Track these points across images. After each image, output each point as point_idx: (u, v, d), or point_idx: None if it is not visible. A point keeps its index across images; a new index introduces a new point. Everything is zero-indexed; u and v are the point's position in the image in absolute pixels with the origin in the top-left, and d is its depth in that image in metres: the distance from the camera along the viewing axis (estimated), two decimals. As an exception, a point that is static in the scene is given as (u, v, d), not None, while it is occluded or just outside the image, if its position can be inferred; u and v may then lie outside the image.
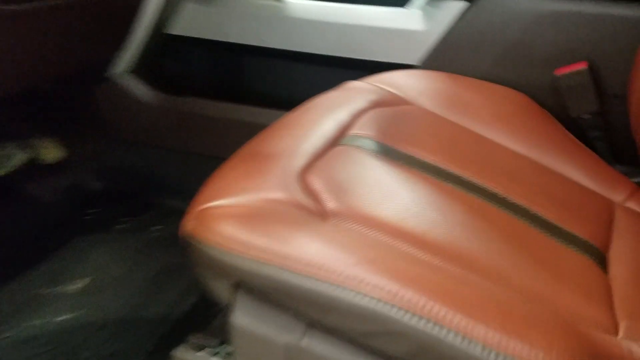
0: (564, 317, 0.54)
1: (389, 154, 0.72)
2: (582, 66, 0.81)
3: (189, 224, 0.61)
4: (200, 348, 0.78)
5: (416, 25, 0.95)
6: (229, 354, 0.77)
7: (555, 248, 0.63)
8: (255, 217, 0.59)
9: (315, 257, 0.53)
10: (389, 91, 0.87)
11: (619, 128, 0.82)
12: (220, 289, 0.61)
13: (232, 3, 1.08)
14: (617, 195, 0.76)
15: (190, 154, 1.16)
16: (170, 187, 1.20)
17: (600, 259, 0.65)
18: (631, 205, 0.75)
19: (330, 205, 0.63)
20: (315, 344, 0.55)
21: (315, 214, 0.62)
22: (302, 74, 1.05)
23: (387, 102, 0.85)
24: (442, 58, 0.91)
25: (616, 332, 0.55)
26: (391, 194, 0.66)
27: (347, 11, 0.99)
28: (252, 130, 1.14)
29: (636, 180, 0.79)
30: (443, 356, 0.48)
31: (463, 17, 0.90)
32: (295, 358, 0.56)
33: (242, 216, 0.59)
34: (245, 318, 0.58)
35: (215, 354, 0.72)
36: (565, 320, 0.53)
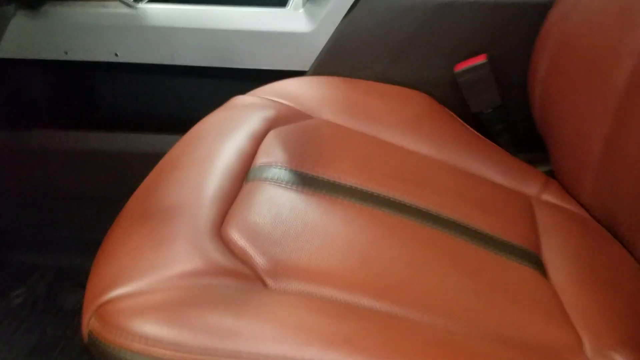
0: (539, 351, 0.50)
1: (307, 183, 0.64)
2: (481, 59, 0.79)
3: (90, 324, 0.47)
4: None
5: (301, 26, 0.85)
6: None
7: (501, 265, 0.60)
8: (176, 303, 0.47)
9: (272, 344, 0.43)
10: (284, 104, 0.78)
11: (521, 118, 0.81)
12: None
13: (69, 13, 0.90)
14: (531, 188, 0.76)
15: (43, 197, 0.97)
16: (24, 240, 1.00)
17: (539, 264, 0.63)
18: (547, 197, 0.75)
19: (262, 265, 0.53)
20: None
21: (249, 280, 0.52)
22: (175, 90, 0.91)
23: (285, 117, 0.76)
24: (333, 61, 0.84)
25: (583, 349, 0.53)
26: (328, 236, 0.57)
27: (220, 14, 0.86)
28: (117, 161, 0.98)
29: (542, 168, 0.79)
30: None
31: (350, 15, 0.82)
32: None
33: (159, 306, 0.47)
34: None
35: None
36: (541, 356, 0.49)
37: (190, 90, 0.91)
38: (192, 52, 0.86)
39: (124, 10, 0.88)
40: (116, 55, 0.88)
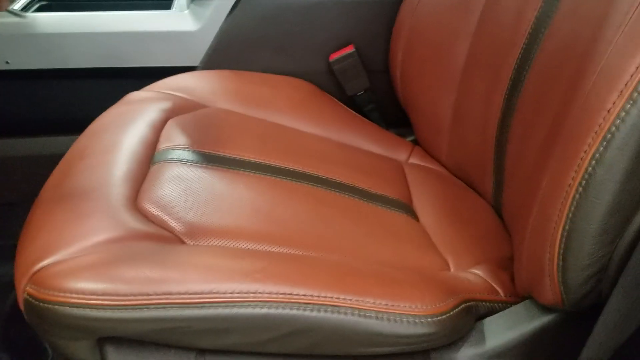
0: (416, 270, 0.62)
1: (210, 160, 0.72)
2: (349, 49, 0.91)
3: (27, 291, 0.52)
4: None
5: (187, 26, 0.93)
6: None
7: (381, 214, 0.72)
8: (105, 262, 0.53)
9: (199, 284, 0.51)
10: (179, 96, 0.85)
11: (387, 98, 0.95)
12: (80, 351, 0.54)
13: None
14: (401, 155, 0.89)
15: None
16: None
17: (411, 211, 0.76)
18: (414, 161, 0.88)
19: (179, 228, 0.60)
20: None
21: (169, 240, 0.59)
22: (72, 92, 0.94)
23: (181, 107, 0.83)
24: (221, 56, 0.92)
25: (449, 268, 0.66)
26: (235, 201, 0.66)
27: (109, 19, 0.91)
28: (18, 166, 0.98)
29: (409, 139, 0.93)
30: (345, 335, 0.52)
31: (233, 14, 0.91)
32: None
33: (91, 266, 0.53)
34: None
35: None
36: (418, 273, 0.61)
37: (87, 92, 0.94)
38: (86, 55, 0.90)
39: (13, 19, 0.91)
40: (7, 63, 0.90)
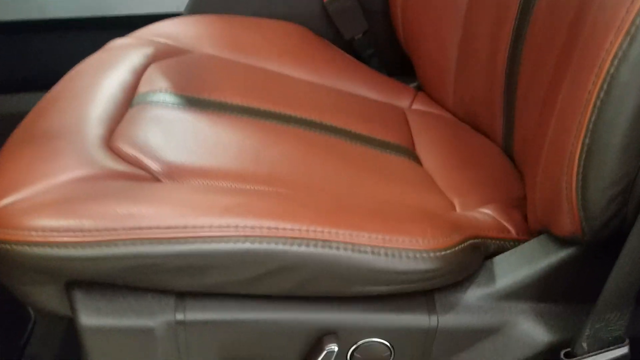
0: (418, 208, 0.57)
1: (194, 104, 0.66)
2: (345, -12, 0.85)
3: None
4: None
5: (171, -31, 0.87)
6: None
7: (381, 157, 0.67)
8: (70, 199, 0.48)
9: (173, 218, 0.46)
10: (162, 42, 0.79)
11: (387, 43, 0.88)
12: (46, 298, 0.49)
13: None
14: (403, 101, 0.83)
15: None
16: None
17: (414, 156, 0.70)
18: (417, 106, 0.82)
19: (156, 168, 0.55)
20: (193, 313, 0.48)
21: (143, 179, 0.53)
22: (51, 45, 0.89)
23: (165, 53, 0.77)
24: (208, 1, 0.86)
25: (455, 209, 0.60)
26: (219, 142, 0.61)
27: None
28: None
29: (411, 85, 0.87)
30: (338, 272, 0.46)
31: (221, -46, 0.85)
32: (174, 339, 0.49)
33: (55, 203, 0.48)
34: (95, 317, 0.47)
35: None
36: (420, 211, 0.56)
37: (68, 45, 0.89)
38: (63, 3, 0.85)
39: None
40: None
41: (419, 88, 0.86)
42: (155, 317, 0.47)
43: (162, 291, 0.48)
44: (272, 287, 0.48)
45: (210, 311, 0.48)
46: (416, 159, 0.70)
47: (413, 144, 0.73)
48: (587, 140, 0.42)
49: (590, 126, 0.42)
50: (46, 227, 0.45)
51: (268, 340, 0.50)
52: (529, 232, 0.56)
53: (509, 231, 0.56)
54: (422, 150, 0.72)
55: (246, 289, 0.48)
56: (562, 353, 0.48)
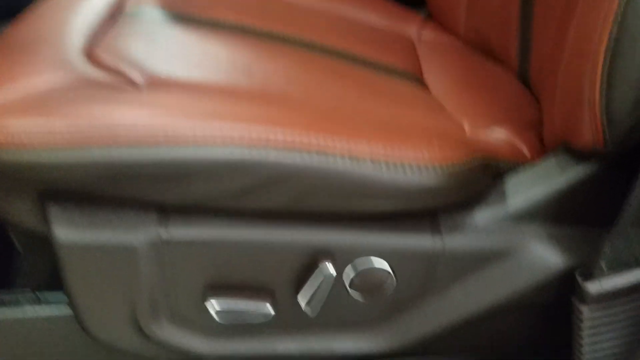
0: (424, 125, 0.52)
1: (184, 20, 0.61)
2: None
3: None
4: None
5: None
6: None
7: (385, 80, 0.62)
8: (46, 102, 0.44)
9: (152, 121, 0.41)
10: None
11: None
12: (18, 210, 0.46)
13: None
14: (411, 28, 0.78)
15: None
16: None
17: (421, 82, 0.65)
18: (426, 34, 0.77)
19: (137, 77, 0.51)
20: (178, 230, 0.45)
21: (122, 88, 0.49)
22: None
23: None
24: None
25: (464, 130, 0.56)
26: (208, 56, 0.56)
27: None
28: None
29: (422, 14, 0.81)
30: (335, 185, 0.42)
31: None
32: (157, 258, 0.45)
33: (27, 105, 0.44)
34: (71, 232, 0.44)
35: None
36: (427, 127, 0.51)
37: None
38: None
39: None
40: None
41: (429, 17, 0.81)
42: (135, 233, 0.44)
43: (144, 205, 0.44)
44: (263, 202, 0.44)
45: (197, 228, 0.45)
46: (424, 86, 0.65)
47: (421, 72, 0.68)
48: (614, 32, 0.37)
49: (618, 19, 0.37)
50: (13, 128, 0.41)
51: (259, 262, 0.47)
52: (544, 154, 0.52)
53: (522, 153, 0.51)
54: (430, 78, 0.67)
55: (235, 204, 0.44)
56: (577, 272, 0.44)
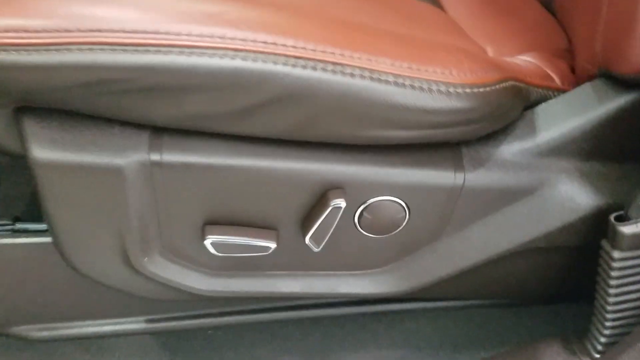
0: (451, 45, 0.47)
1: None
2: None
3: None
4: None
5: None
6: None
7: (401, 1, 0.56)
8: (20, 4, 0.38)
9: (141, 21, 0.35)
10: None
11: None
12: None
13: None
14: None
15: None
16: None
17: (438, 4, 0.60)
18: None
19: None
20: (172, 154, 0.39)
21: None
22: None
23: None
24: None
25: (486, 52, 0.51)
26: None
27: None
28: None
29: None
30: (352, 106, 0.37)
31: None
32: (147, 182, 0.40)
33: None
34: (49, 150, 0.38)
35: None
36: (456, 47, 0.46)
37: None
38: None
39: None
40: None
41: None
42: (124, 155, 0.38)
43: (134, 124, 0.39)
44: (268, 125, 0.38)
45: (193, 152, 0.39)
46: (441, 7, 0.60)
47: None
48: None
49: None
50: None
51: (261, 192, 0.42)
52: (575, 84, 0.47)
53: (553, 79, 0.47)
54: (448, 1, 0.62)
55: (237, 126, 0.38)
56: (612, 217, 0.40)
